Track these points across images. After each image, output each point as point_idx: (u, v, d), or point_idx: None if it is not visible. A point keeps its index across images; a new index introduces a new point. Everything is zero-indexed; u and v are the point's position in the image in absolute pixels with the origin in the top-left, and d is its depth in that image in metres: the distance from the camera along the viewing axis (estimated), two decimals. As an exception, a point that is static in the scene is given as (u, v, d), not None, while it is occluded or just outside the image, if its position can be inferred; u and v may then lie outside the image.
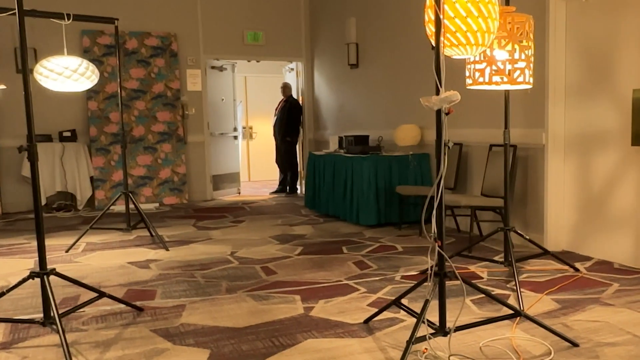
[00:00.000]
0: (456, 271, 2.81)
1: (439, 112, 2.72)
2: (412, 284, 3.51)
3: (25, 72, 3.05)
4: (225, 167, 9.94)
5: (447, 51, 2.71)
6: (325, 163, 7.46)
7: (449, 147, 2.73)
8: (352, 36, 8.44)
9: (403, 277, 4.32)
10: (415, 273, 4.43)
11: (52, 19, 5.01)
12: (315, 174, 7.77)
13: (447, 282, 2.86)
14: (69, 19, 5.10)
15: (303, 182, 9.71)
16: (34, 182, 3.10)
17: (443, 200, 2.77)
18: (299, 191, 10.17)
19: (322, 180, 7.52)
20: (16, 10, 3.03)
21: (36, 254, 5.31)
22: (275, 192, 10.22)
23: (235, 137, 10.38)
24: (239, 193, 10.25)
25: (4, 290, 3.17)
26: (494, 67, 3.37)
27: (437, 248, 2.80)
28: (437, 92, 2.67)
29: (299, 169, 10.25)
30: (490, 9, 2.66)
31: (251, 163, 12.93)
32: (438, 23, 2.63)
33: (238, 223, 7.04)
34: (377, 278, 4.30)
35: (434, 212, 2.76)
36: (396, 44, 7.43)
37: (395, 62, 7.48)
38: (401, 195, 6.27)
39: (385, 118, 7.76)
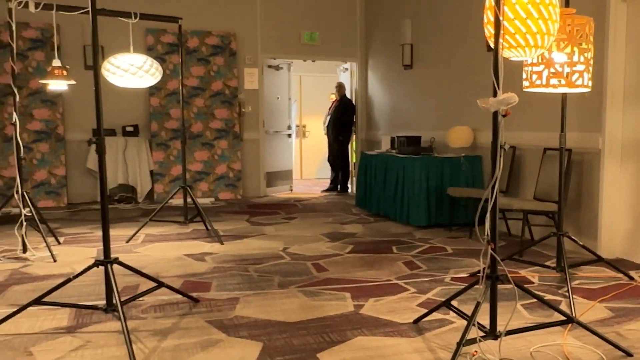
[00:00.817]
0: (509, 275, 2.76)
1: (495, 114, 2.67)
2: (463, 286, 3.45)
3: (96, 68, 3.13)
4: (278, 165, 10.01)
5: (505, 53, 2.66)
6: (377, 163, 7.42)
7: (504, 150, 2.68)
8: (407, 37, 8.37)
9: (453, 278, 4.27)
10: (466, 275, 4.36)
11: (119, 18, 5.14)
12: (366, 174, 7.74)
13: (498, 286, 2.81)
14: (135, 18, 5.22)
15: (354, 181, 9.69)
16: (101, 174, 3.18)
17: (497, 203, 2.71)
18: (349, 190, 10.15)
19: (374, 179, 7.48)
20: (89, 9, 3.11)
21: (99, 243, 5.47)
22: (327, 190, 10.22)
23: (289, 135, 10.45)
24: (291, 190, 10.31)
25: (71, 277, 3.26)
26: (552, 70, 3.28)
27: (489, 251, 2.75)
28: (495, 94, 2.62)
29: (350, 168, 10.23)
30: (551, 10, 2.59)
31: (303, 161, 12.98)
32: (497, 24, 2.57)
33: (290, 220, 7.07)
34: (426, 279, 4.25)
35: (488, 214, 2.71)
36: (451, 45, 7.33)
37: (450, 63, 7.39)
38: (452, 196, 6.19)
39: (438, 119, 7.67)
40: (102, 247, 5.13)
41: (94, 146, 3.12)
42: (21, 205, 4.92)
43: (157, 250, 5.28)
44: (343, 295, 3.80)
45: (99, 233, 6.02)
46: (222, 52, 9.02)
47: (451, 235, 6.03)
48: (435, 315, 3.32)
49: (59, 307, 3.42)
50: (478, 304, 2.71)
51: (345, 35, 9.94)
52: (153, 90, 8.55)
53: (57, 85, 5.70)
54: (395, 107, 9.04)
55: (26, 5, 4.75)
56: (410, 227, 6.48)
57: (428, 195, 6.45)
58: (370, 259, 4.93)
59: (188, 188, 5.97)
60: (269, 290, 3.93)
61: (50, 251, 4.87)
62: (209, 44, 8.94)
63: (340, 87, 10.10)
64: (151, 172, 8.71)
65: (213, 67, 8.97)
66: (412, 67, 8.39)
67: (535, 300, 3.37)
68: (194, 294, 3.75)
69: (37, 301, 3.18)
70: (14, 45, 4.93)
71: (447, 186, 6.46)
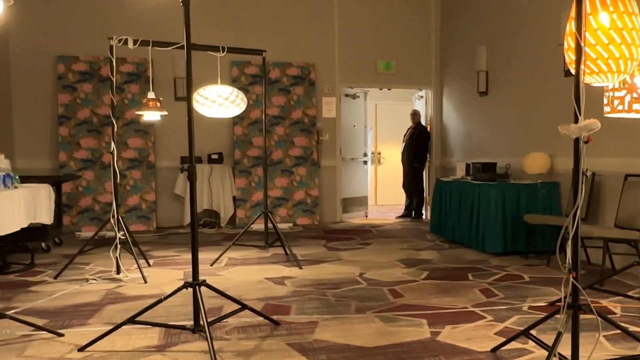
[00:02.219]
0: (591, 304, 2.63)
1: (577, 140, 2.58)
2: (541, 315, 3.32)
3: (189, 101, 3.25)
4: (354, 191, 10.01)
5: (587, 79, 2.57)
6: (451, 189, 7.30)
7: (586, 177, 2.58)
8: (482, 64, 8.25)
9: (531, 307, 4.11)
10: (544, 304, 4.19)
11: (208, 52, 5.32)
12: (441, 200, 7.62)
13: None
14: (223, 52, 5.39)
15: (429, 207, 9.55)
16: (192, 201, 3.29)
17: (579, 230, 2.60)
18: (424, 216, 10.00)
19: (448, 206, 7.35)
20: (185, 45, 3.25)
21: (185, 266, 5.62)
22: (401, 216, 10.12)
23: (365, 162, 10.45)
24: (366, 216, 10.26)
25: (162, 298, 3.35)
26: (635, 95, 3.15)
27: (571, 279, 2.63)
28: (576, 120, 2.54)
29: (425, 195, 10.10)
30: (634, 35, 2.49)
31: (378, 187, 12.93)
32: (579, 51, 2.50)
33: (366, 245, 7.03)
34: (503, 307, 4.11)
35: (569, 242, 2.61)
36: (527, 72, 7.17)
37: (526, 89, 7.22)
38: (529, 223, 5.99)
39: (514, 145, 7.48)
40: (188, 270, 5.28)
41: (183, 172, 3.22)
42: (116, 229, 5.12)
43: (239, 273, 5.37)
44: (420, 322, 3.73)
45: (186, 256, 6.19)
46: (301, 82, 9.17)
47: (528, 262, 5.82)
48: (513, 345, 3.20)
49: (150, 326, 3.52)
50: (560, 334, 2.60)
51: (420, 63, 9.90)
52: (237, 119, 8.74)
53: (151, 116, 5.92)
54: (470, 134, 8.89)
55: (125, 42, 5.01)
56: (485, 254, 6.31)
57: (504, 222, 6.27)
58: (446, 285, 4.82)
59: (269, 214, 6.05)
60: (347, 315, 3.91)
61: (141, 273, 5.04)
62: (289, 75, 9.12)
63: (415, 115, 10.04)
64: (234, 197, 8.90)
65: (293, 97, 9.13)
66: (488, 94, 8.25)
67: (618, 331, 3.20)
68: (275, 317, 3.77)
69: (131, 320, 3.29)
70: (114, 79, 5.19)
71: (524, 213, 6.25)
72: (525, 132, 7.24)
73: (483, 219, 6.39)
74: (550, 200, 6.41)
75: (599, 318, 2.70)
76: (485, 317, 3.83)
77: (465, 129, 9.08)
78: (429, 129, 10.08)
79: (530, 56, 7.07)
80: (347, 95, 9.77)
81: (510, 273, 5.31)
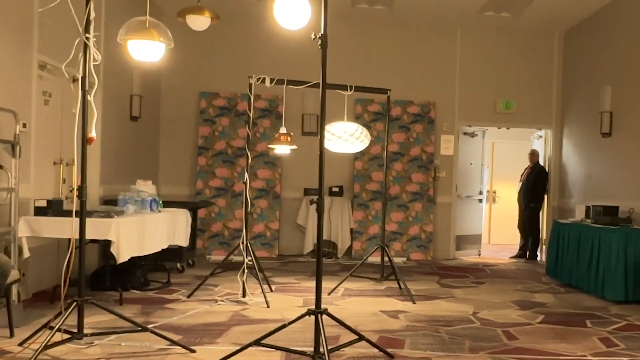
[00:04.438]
0: None
1: None
2: (667, 372, 3.11)
3: (322, 135, 3.44)
4: (468, 229, 9.81)
5: None
6: (570, 232, 6.98)
7: None
8: (606, 105, 7.85)
9: (655, 361, 3.85)
10: (670, 359, 3.91)
11: (337, 90, 5.51)
12: (558, 242, 7.28)
13: None
14: (350, 90, 5.58)
15: (544, 249, 9.15)
16: (319, 231, 3.44)
17: None
18: (538, 258, 9.57)
19: (566, 249, 7.02)
20: (320, 83, 3.45)
21: (304, 293, 5.80)
22: (515, 256, 9.73)
23: (480, 200, 10.22)
24: (479, 254, 9.98)
25: (286, 323, 3.50)
26: None
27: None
28: None
29: (540, 236, 9.68)
30: None
31: (492, 226, 12.54)
32: None
33: (479, 284, 6.87)
34: (625, 358, 3.89)
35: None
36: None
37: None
38: (654, 272, 5.60)
39: (638, 189, 7.03)
40: (307, 297, 5.45)
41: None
42: (244, 254, 5.38)
43: (354, 304, 5.44)
44: (534, 367, 3.62)
45: (305, 284, 6.37)
46: (421, 120, 9.20)
47: (653, 313, 5.44)
48: (634, 400, 3.03)
49: (272, 349, 3.65)
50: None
51: (541, 103, 9.58)
52: (358, 154, 8.79)
53: (282, 149, 6.19)
54: (591, 176, 8.45)
55: (263, 81, 5.35)
56: (604, 301, 5.94)
57: (625, 269, 5.90)
58: (563, 331, 4.62)
59: (385, 247, 6.10)
60: (460, 354, 3.86)
61: (265, 297, 5.23)
62: (410, 113, 9.18)
63: (533, 154, 9.72)
64: (351, 230, 9.01)
65: (412, 134, 9.17)
66: (611, 135, 7.83)
67: None
68: (389, 350, 3.80)
69: (256, 342, 3.46)
70: (251, 114, 5.51)
71: (648, 261, 5.86)
72: (651, 177, 6.80)
73: (603, 264, 6.05)
74: (678, 248, 5.97)
75: None
76: (604, 368, 3.65)
77: (585, 170, 8.66)
78: (547, 169, 9.71)
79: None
80: (465, 133, 9.67)
81: (632, 323, 4.99)
